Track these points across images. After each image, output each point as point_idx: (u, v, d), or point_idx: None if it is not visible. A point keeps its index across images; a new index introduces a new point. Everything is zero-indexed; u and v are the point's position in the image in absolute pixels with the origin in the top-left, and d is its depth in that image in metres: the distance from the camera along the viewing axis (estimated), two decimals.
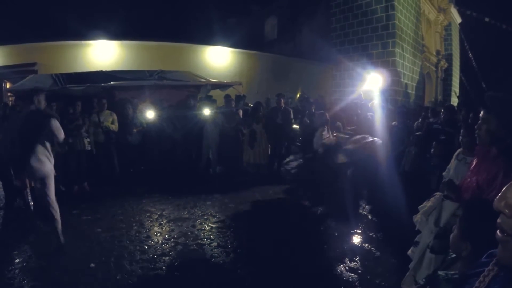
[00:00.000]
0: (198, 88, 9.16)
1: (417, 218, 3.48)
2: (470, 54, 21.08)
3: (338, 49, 17.09)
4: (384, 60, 15.50)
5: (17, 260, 4.09)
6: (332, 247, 4.55)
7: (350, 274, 3.84)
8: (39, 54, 10.89)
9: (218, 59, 13.68)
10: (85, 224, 5.26)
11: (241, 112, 8.46)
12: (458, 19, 23.52)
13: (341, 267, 3.99)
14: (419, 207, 3.52)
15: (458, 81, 24.45)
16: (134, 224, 5.25)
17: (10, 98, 10.57)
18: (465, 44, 22.06)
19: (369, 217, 5.69)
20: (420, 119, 7.38)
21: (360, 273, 3.86)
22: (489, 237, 0.97)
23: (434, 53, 20.44)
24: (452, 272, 1.37)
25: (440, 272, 1.40)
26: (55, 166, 6.47)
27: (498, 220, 0.84)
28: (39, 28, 10.67)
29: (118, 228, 5.09)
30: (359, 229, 5.14)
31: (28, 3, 10.60)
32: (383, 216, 5.55)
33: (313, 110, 8.52)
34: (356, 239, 4.84)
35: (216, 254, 4.34)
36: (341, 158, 6.90)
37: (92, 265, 3.99)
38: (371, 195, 6.51)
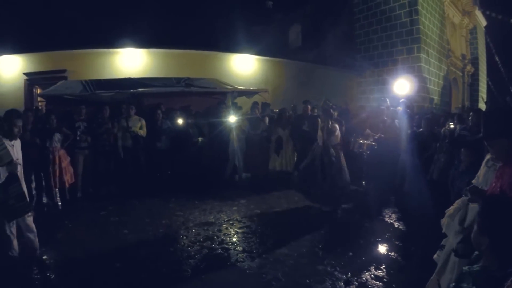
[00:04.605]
0: (225, 95, 9.26)
1: (443, 221, 3.45)
2: (496, 58, 20.46)
3: (363, 55, 16.91)
4: (409, 65, 15.21)
5: (44, 257, 4.24)
6: (358, 255, 4.50)
7: (376, 282, 3.81)
8: (69, 61, 11.20)
9: (244, 66, 13.75)
10: (112, 225, 5.42)
11: (267, 119, 8.47)
12: (483, 22, 22.95)
13: (366, 275, 3.95)
14: (446, 210, 3.49)
15: (485, 86, 23.77)
16: (160, 227, 5.35)
17: (40, 103, 10.95)
18: (492, 47, 21.39)
19: (396, 225, 5.61)
20: (448, 126, 7.23)
21: (386, 282, 3.82)
22: (507, 230, 1.00)
23: (460, 58, 19.94)
24: (475, 266, 1.40)
25: (465, 267, 1.43)
26: (84, 169, 6.75)
27: None
28: (68, 37, 10.96)
29: (144, 231, 5.21)
30: (386, 237, 5.09)
31: (59, 13, 10.93)
32: (410, 225, 5.48)
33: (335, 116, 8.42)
34: (382, 248, 4.78)
35: (241, 259, 4.37)
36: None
37: (118, 265, 4.11)
38: (398, 203, 6.44)
